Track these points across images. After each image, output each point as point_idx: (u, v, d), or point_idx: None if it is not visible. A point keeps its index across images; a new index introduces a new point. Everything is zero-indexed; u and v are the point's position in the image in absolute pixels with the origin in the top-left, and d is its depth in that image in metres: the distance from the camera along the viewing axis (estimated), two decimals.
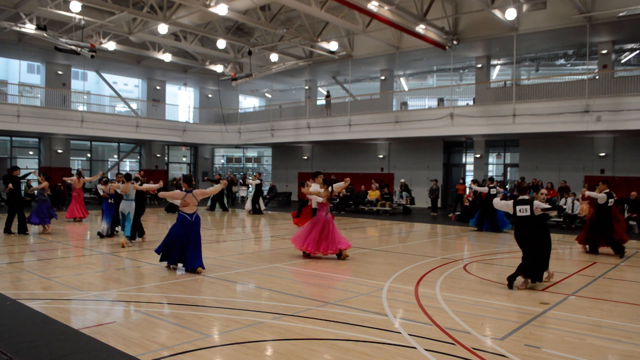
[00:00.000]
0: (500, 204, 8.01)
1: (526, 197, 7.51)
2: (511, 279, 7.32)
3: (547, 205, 7.50)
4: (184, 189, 8.28)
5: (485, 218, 15.23)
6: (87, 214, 16.11)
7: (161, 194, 8.70)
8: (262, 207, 20.59)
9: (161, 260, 8.32)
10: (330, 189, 9.71)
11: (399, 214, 21.23)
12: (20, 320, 5.29)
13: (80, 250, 10.26)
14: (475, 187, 15.88)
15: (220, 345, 4.71)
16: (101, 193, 13.07)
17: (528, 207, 7.33)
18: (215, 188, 8.96)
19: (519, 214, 7.43)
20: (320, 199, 9.76)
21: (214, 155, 33.81)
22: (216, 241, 12.55)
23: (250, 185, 21.03)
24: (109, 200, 12.04)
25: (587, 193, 10.84)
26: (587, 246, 11.15)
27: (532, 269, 7.29)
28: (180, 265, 8.31)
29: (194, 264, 8.02)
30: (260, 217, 19.27)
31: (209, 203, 21.64)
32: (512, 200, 7.62)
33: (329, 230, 9.51)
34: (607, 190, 10.50)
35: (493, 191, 14.62)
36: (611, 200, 10.57)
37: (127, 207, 11.05)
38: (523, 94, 19.82)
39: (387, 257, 10.09)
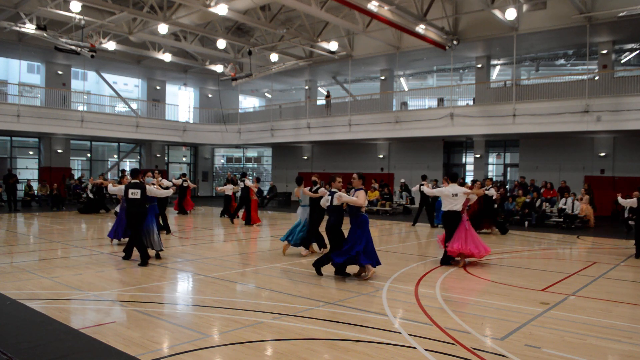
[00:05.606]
0: (624, 202, 10.30)
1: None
2: None
3: None
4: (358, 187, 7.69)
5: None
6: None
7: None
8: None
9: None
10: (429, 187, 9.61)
11: (399, 214, 21.22)
12: (20, 320, 5.29)
13: (80, 250, 10.26)
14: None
15: (220, 345, 4.71)
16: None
17: None
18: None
19: None
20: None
21: (214, 155, 33.80)
22: (216, 241, 12.56)
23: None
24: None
25: (483, 190, 14.17)
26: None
27: None
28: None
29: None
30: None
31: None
32: (636, 199, 9.90)
33: (469, 231, 9.08)
34: (490, 186, 14.38)
35: (422, 188, 16.62)
36: (495, 193, 14.28)
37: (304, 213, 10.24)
38: (523, 94, 19.80)
39: (387, 257, 10.10)
